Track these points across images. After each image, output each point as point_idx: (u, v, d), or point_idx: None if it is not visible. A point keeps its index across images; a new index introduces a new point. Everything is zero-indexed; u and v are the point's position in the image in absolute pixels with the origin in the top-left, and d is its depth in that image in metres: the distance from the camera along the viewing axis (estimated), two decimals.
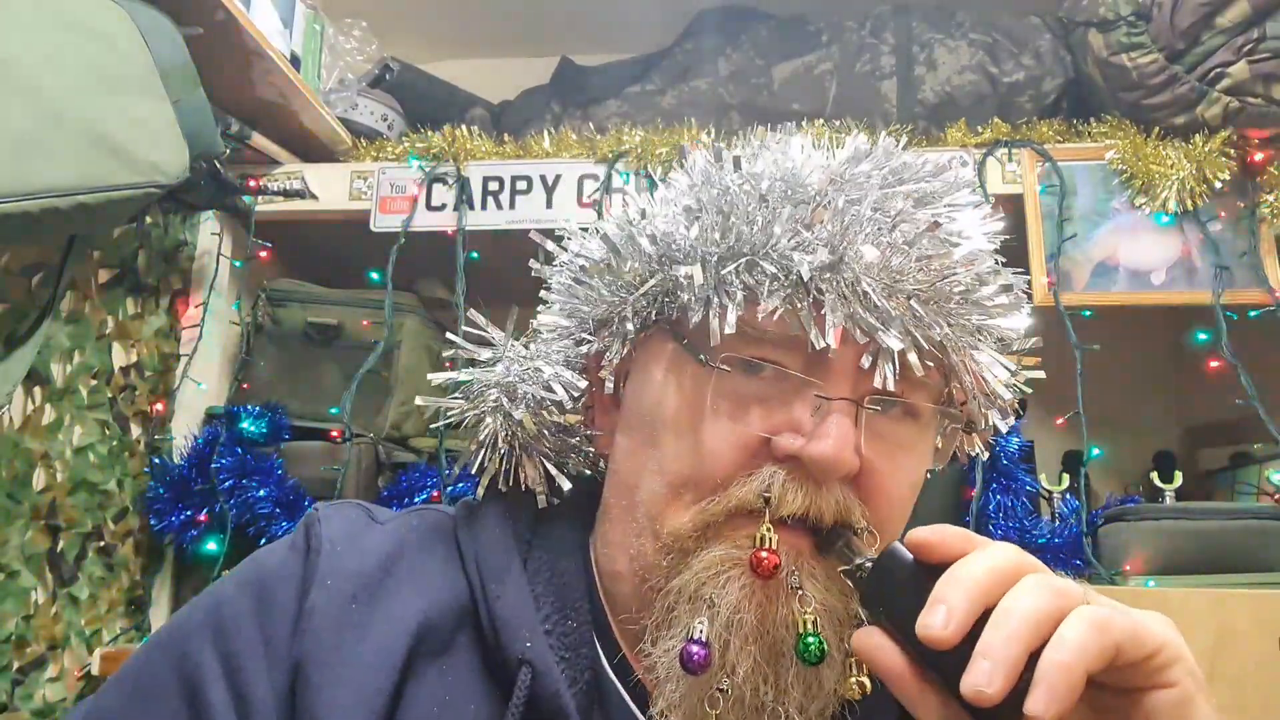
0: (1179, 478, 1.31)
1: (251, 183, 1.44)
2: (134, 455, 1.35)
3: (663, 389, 0.59)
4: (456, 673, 0.57)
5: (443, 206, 1.44)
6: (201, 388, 1.42)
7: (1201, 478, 1.55)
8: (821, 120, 1.47)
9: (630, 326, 0.60)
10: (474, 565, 0.60)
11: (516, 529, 0.62)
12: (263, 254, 1.47)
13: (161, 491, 1.33)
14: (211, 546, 1.31)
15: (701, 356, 0.56)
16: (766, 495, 0.53)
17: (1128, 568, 1.18)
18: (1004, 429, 0.62)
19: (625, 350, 0.62)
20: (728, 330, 0.54)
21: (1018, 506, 1.25)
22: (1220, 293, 1.30)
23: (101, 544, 1.28)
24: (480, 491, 0.66)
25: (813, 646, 0.51)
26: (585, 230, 0.68)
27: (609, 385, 0.63)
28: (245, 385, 1.45)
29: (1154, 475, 1.32)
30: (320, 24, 1.50)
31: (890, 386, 0.54)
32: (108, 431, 1.29)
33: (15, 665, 1.12)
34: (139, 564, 1.35)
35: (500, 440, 0.64)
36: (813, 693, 0.54)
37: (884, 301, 0.53)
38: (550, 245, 0.70)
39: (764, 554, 0.52)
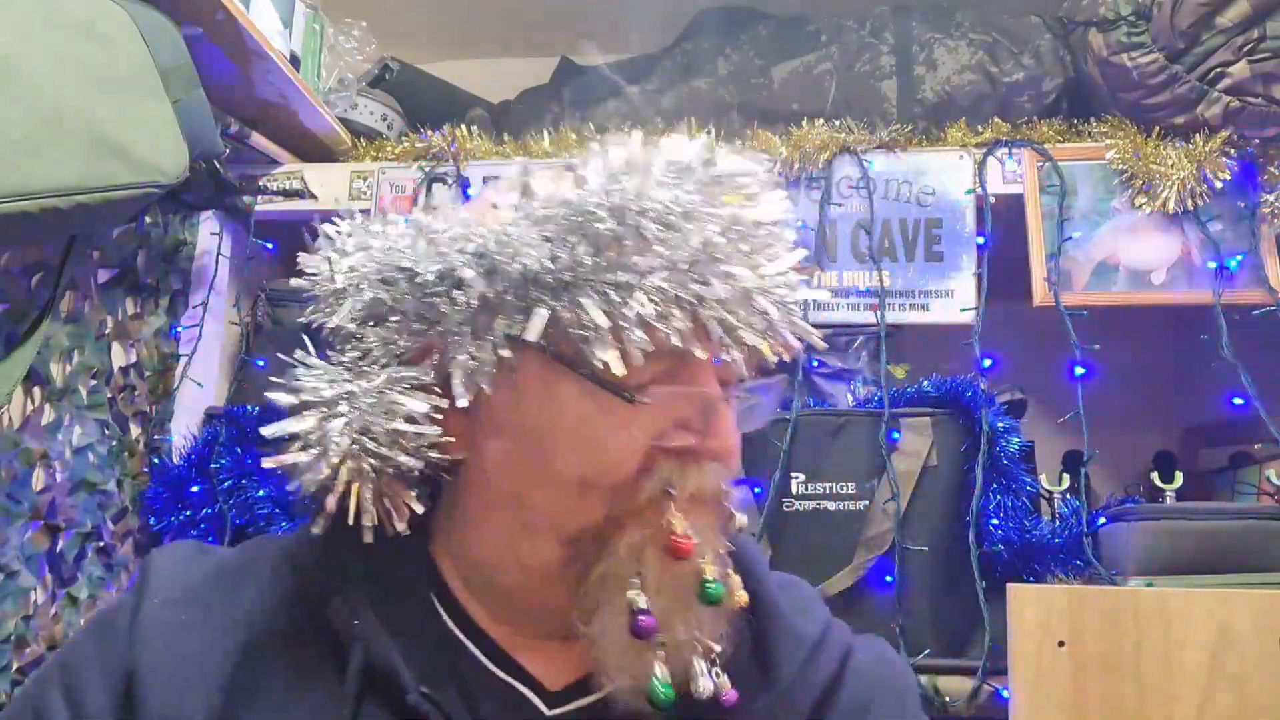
0: (1179, 478, 1.31)
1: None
2: (134, 455, 1.35)
3: (547, 404, 0.60)
4: (292, 660, 0.61)
5: None
6: (201, 388, 1.42)
7: (1201, 478, 1.55)
8: (821, 120, 1.47)
9: (505, 354, 0.58)
10: (305, 561, 0.65)
11: (348, 531, 0.62)
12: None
13: (161, 491, 1.33)
14: None
15: (627, 394, 0.58)
16: (670, 489, 0.59)
17: (1128, 568, 1.17)
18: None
19: (491, 371, 0.59)
20: (636, 363, 0.57)
21: (1018, 506, 1.24)
22: (1220, 293, 1.29)
23: (101, 544, 1.28)
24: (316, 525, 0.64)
25: (715, 591, 0.59)
26: (374, 223, 0.65)
27: (462, 401, 0.59)
28: (245, 385, 1.45)
29: (1154, 475, 1.32)
30: (320, 24, 1.50)
31: (744, 372, 0.63)
32: (107, 431, 1.29)
33: (15, 665, 1.12)
34: (138, 564, 1.35)
35: (360, 486, 0.61)
36: (718, 618, 0.61)
37: (746, 309, 0.60)
38: (331, 257, 0.65)
39: (679, 540, 0.58)
